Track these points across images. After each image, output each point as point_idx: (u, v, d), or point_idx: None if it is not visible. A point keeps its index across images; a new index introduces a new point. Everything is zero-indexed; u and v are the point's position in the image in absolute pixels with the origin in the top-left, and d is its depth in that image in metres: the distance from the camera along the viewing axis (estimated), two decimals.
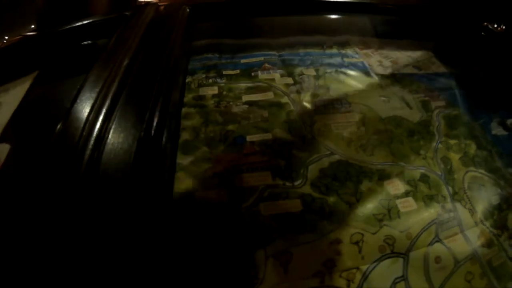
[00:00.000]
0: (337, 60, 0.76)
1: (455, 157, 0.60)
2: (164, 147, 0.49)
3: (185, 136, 0.55)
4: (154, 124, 0.48)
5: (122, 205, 0.39)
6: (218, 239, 0.44)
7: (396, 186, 0.52)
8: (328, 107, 0.63)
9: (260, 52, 0.75)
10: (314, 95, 0.64)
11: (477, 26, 0.94)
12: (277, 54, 0.75)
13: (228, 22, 0.89)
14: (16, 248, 0.36)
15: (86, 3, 0.99)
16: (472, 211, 0.53)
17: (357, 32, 0.88)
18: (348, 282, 0.42)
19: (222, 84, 0.65)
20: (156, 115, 0.49)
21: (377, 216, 0.48)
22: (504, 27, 0.98)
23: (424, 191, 0.53)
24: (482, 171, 0.59)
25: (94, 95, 0.52)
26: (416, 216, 0.50)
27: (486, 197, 0.56)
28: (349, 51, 0.80)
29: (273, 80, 0.67)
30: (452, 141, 0.62)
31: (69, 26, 0.82)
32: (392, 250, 0.45)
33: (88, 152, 0.43)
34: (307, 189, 0.49)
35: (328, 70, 0.71)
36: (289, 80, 0.67)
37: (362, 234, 0.46)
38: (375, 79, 0.72)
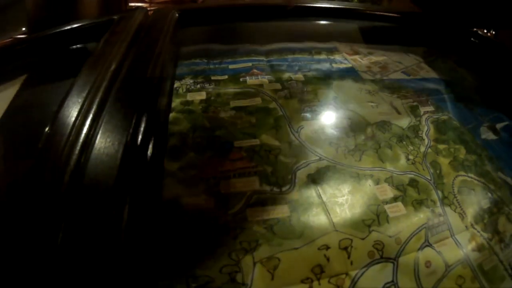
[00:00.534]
0: (326, 65, 0.76)
1: (444, 161, 0.59)
2: (152, 152, 0.48)
3: (172, 141, 0.55)
4: (141, 129, 0.48)
5: (109, 212, 0.39)
6: (205, 245, 0.43)
7: (384, 191, 0.52)
8: (316, 112, 0.63)
9: (248, 58, 0.75)
10: (302, 101, 0.64)
11: (467, 32, 0.95)
12: (265, 59, 0.75)
13: (217, 28, 0.89)
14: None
15: (76, 7, 0.99)
16: (462, 215, 0.53)
17: (345, 38, 0.88)
18: (337, 287, 0.42)
19: (210, 90, 0.65)
20: (143, 121, 0.49)
21: (366, 222, 0.48)
22: (493, 32, 0.99)
23: (413, 195, 0.53)
24: (472, 175, 0.59)
25: (81, 100, 0.51)
26: (406, 221, 0.49)
27: (476, 201, 0.55)
28: (337, 57, 0.80)
29: (261, 85, 0.67)
30: (441, 146, 0.62)
31: (58, 30, 0.82)
32: (381, 255, 0.45)
33: (74, 157, 0.43)
34: (295, 195, 0.49)
35: (317, 76, 0.71)
36: (278, 86, 0.67)
37: (351, 240, 0.45)
38: (364, 84, 0.72)
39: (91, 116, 0.49)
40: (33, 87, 0.71)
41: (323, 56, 0.79)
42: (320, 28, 0.94)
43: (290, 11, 0.89)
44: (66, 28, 0.82)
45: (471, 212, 0.54)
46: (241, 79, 0.68)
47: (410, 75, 0.78)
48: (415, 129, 0.64)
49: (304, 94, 0.66)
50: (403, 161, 0.57)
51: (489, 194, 0.58)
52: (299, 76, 0.70)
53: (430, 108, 0.69)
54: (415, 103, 0.69)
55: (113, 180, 0.41)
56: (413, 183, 0.54)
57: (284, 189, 0.50)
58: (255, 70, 0.71)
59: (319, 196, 0.49)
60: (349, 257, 0.44)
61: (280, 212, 0.47)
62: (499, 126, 0.69)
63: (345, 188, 0.51)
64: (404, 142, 0.60)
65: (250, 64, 0.73)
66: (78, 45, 0.82)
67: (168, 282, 0.40)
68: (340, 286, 0.42)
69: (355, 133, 0.59)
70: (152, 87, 0.57)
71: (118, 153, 0.44)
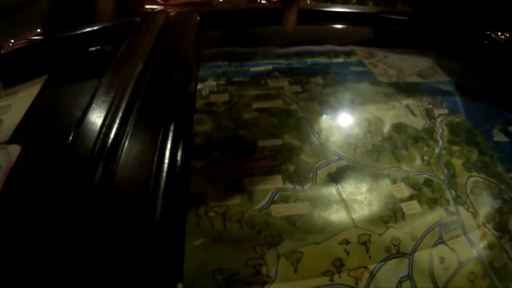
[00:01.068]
0: (344, 69, 0.78)
1: (458, 162, 0.61)
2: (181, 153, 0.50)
3: (197, 140, 0.57)
4: (171, 131, 0.50)
5: (140, 215, 0.40)
6: (230, 239, 0.45)
7: (401, 190, 0.54)
8: (336, 114, 0.65)
9: (269, 61, 0.77)
10: (322, 103, 0.66)
11: (480, 35, 0.95)
12: (285, 62, 0.77)
13: (237, 31, 0.91)
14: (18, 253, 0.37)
15: (92, 8, 1.01)
16: (474, 214, 0.54)
17: (362, 42, 0.89)
18: (356, 280, 0.44)
19: (233, 91, 0.67)
20: (172, 121, 0.51)
21: (383, 218, 0.50)
22: (507, 35, 1.00)
23: (428, 194, 0.54)
24: (484, 176, 0.61)
25: (109, 99, 0.54)
26: (421, 218, 0.51)
27: (488, 201, 0.57)
28: (355, 60, 0.82)
29: (282, 88, 0.69)
30: (455, 147, 0.64)
31: (79, 32, 0.84)
32: (398, 250, 0.47)
33: (103, 160, 0.45)
34: (316, 193, 0.51)
35: (335, 79, 0.74)
36: (298, 88, 0.69)
37: (369, 235, 0.47)
38: (380, 87, 0.74)
39: (120, 115, 0.51)
40: (56, 87, 0.72)
41: (341, 59, 0.81)
42: (338, 32, 0.95)
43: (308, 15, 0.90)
44: (87, 29, 0.84)
45: (483, 211, 0.56)
46: (262, 82, 0.70)
47: (425, 78, 0.80)
48: (430, 131, 0.65)
49: (323, 97, 0.68)
50: (418, 161, 0.59)
51: (501, 194, 0.59)
52: (319, 79, 0.72)
53: (444, 111, 0.71)
54: (429, 106, 0.71)
55: (145, 185, 0.43)
56: (428, 182, 0.56)
57: (306, 187, 0.52)
58: (275, 73, 0.73)
59: (339, 193, 0.51)
60: (367, 252, 0.46)
61: (302, 208, 0.49)
62: (511, 128, 0.71)
63: (364, 187, 0.53)
64: (419, 144, 0.62)
65: (270, 67, 0.75)
66: (99, 47, 0.84)
67: (194, 274, 0.41)
68: (359, 279, 0.44)
69: (373, 135, 0.61)
70: (179, 89, 0.59)
71: (150, 155, 0.46)
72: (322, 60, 0.80)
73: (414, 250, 0.48)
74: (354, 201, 0.51)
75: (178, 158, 0.49)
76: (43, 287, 0.35)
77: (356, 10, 1.01)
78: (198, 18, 0.84)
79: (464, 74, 0.85)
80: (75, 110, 0.58)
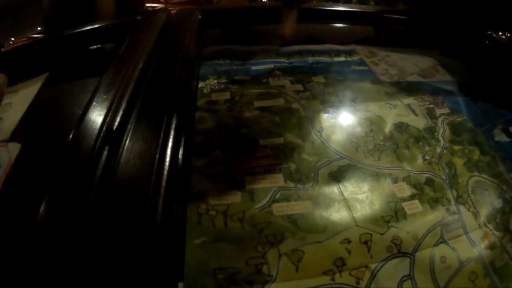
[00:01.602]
0: (345, 68, 0.78)
1: (459, 162, 0.61)
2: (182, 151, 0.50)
3: (199, 139, 0.57)
4: (173, 128, 0.50)
5: (141, 213, 0.40)
6: (231, 238, 0.45)
7: (402, 189, 0.54)
8: (337, 113, 0.65)
9: (270, 59, 0.77)
10: (323, 102, 0.66)
11: (481, 35, 0.95)
12: (287, 61, 0.77)
13: (238, 29, 0.90)
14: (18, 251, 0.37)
15: (93, 7, 1.01)
16: (475, 214, 0.54)
17: (363, 41, 0.90)
18: (357, 280, 0.44)
19: (234, 90, 0.67)
20: (174, 120, 0.51)
21: (385, 218, 0.50)
22: (508, 35, 1.00)
23: (429, 194, 0.54)
24: (485, 176, 0.61)
25: (110, 97, 0.53)
26: (422, 218, 0.51)
27: (489, 200, 0.57)
28: (356, 60, 0.82)
29: (283, 86, 0.69)
30: (456, 147, 0.64)
31: (80, 30, 0.84)
32: (399, 250, 0.47)
33: (104, 156, 0.45)
34: (317, 191, 0.51)
35: (337, 78, 0.73)
36: (299, 87, 0.69)
37: (371, 234, 0.47)
38: (382, 87, 0.74)
39: (120, 113, 0.51)
40: (56, 85, 0.72)
41: (342, 58, 0.81)
42: (339, 31, 0.95)
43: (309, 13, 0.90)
44: (88, 28, 0.84)
45: (484, 211, 0.56)
46: (263, 80, 0.70)
47: (426, 78, 0.80)
48: (431, 131, 0.65)
49: (325, 95, 0.68)
50: (420, 161, 0.59)
51: (502, 194, 0.59)
52: (320, 77, 0.72)
53: (446, 110, 0.71)
54: (431, 105, 0.71)
55: (147, 183, 0.42)
56: (429, 182, 0.56)
57: (307, 185, 0.52)
58: (277, 72, 0.73)
59: (341, 192, 0.51)
60: (369, 251, 0.46)
61: (303, 207, 0.49)
62: None
63: (365, 186, 0.53)
64: (421, 143, 0.62)
65: (272, 65, 0.75)
66: (100, 45, 0.84)
67: (195, 273, 0.41)
68: (361, 278, 0.44)
69: (374, 134, 0.61)
70: (180, 86, 0.59)
71: (151, 153, 0.46)
72: (324, 59, 0.80)
73: (416, 249, 0.48)
74: (355, 200, 0.51)
75: (180, 156, 0.49)
76: (45, 284, 0.34)
77: (357, 9, 1.01)
78: (200, 16, 0.84)
79: (465, 74, 0.85)
80: (76, 108, 0.58)
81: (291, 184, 0.52)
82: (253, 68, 0.74)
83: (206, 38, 0.83)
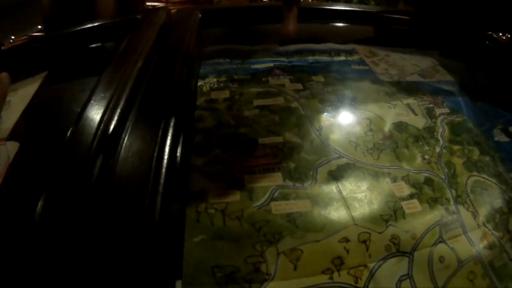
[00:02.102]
0: (345, 67, 0.78)
1: (458, 162, 0.61)
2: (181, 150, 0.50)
3: (198, 138, 0.57)
4: (171, 127, 0.50)
5: (139, 211, 0.40)
6: (230, 236, 0.45)
7: (401, 189, 0.54)
8: (336, 112, 0.65)
9: (270, 58, 0.77)
10: (323, 101, 0.66)
11: (481, 35, 0.96)
12: (286, 60, 0.77)
13: (238, 28, 0.90)
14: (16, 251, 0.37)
15: (93, 6, 1.01)
16: (474, 214, 0.54)
17: (363, 40, 0.89)
18: (355, 279, 0.43)
19: (234, 89, 0.67)
20: (173, 119, 0.51)
21: (384, 217, 0.50)
22: (508, 36, 1.00)
23: (428, 193, 0.54)
24: (485, 175, 0.61)
25: (108, 95, 0.53)
26: (421, 217, 0.51)
27: (488, 200, 0.57)
28: (356, 59, 0.82)
29: (283, 85, 0.69)
30: (456, 147, 0.64)
31: (79, 28, 0.84)
32: (397, 249, 0.47)
33: (101, 155, 0.45)
34: (316, 190, 0.51)
35: (336, 77, 0.73)
36: (299, 86, 0.69)
37: (369, 233, 0.47)
38: (382, 86, 0.74)
39: (119, 111, 0.51)
40: (55, 83, 0.72)
41: (342, 58, 0.81)
42: (339, 31, 0.95)
43: (306, 15, 0.90)
44: (88, 26, 0.84)
45: (483, 211, 0.56)
46: (263, 79, 0.70)
47: (426, 78, 0.80)
48: (430, 130, 0.65)
49: (324, 95, 0.68)
50: (419, 160, 0.59)
51: (501, 194, 0.59)
52: (320, 77, 0.72)
53: (445, 110, 0.71)
54: (431, 105, 0.71)
55: (145, 181, 0.42)
56: (428, 181, 0.56)
57: (306, 184, 0.52)
58: (277, 71, 0.73)
59: (339, 191, 0.51)
60: (367, 250, 0.46)
61: (302, 206, 0.49)
62: (511, 128, 0.71)
63: (364, 185, 0.53)
64: (420, 143, 0.62)
65: (271, 64, 0.75)
66: (100, 44, 0.84)
67: (193, 271, 0.41)
68: (359, 277, 0.44)
69: (373, 133, 0.61)
70: (180, 85, 0.59)
71: (150, 151, 0.46)
72: (323, 58, 0.80)
73: (414, 249, 0.48)
74: (354, 199, 0.51)
75: (178, 154, 0.49)
76: (43, 282, 0.34)
77: (357, 9, 1.01)
78: (200, 15, 0.84)
79: (465, 74, 0.85)
80: (75, 107, 0.58)
81: (290, 183, 0.51)
82: (253, 67, 0.74)
83: (206, 38, 0.83)
